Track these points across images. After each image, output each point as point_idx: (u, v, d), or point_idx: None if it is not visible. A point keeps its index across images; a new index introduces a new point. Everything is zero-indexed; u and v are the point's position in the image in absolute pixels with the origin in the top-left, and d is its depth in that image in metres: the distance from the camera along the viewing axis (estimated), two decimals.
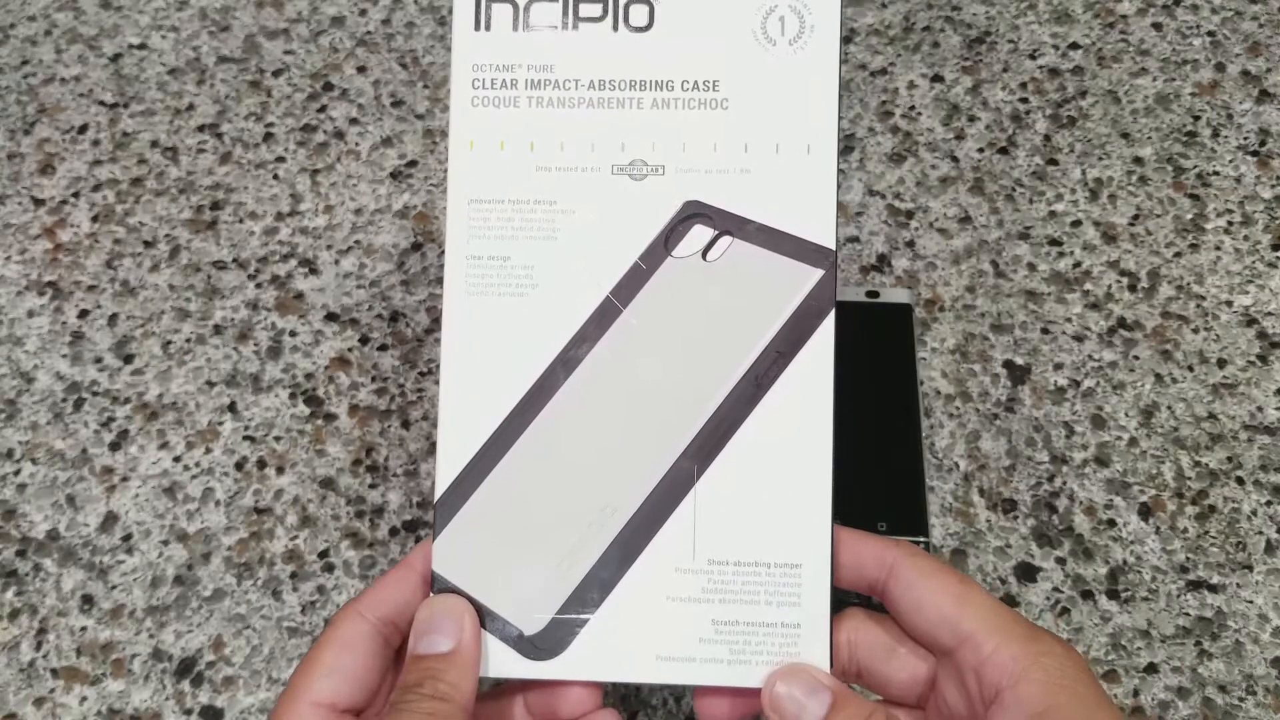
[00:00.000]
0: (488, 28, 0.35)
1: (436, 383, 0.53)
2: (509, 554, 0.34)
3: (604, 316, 0.35)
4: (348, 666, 0.33)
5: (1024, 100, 0.61)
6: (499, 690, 0.36)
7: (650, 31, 0.35)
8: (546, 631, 0.34)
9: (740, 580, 0.34)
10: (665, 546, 0.34)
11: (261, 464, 0.51)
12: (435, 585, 0.34)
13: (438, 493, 0.34)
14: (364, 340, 0.54)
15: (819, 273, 0.34)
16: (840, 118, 0.37)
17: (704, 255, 0.35)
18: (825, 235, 0.34)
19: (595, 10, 0.35)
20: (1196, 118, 0.60)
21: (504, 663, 0.34)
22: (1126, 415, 0.51)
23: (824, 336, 0.34)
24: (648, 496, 0.34)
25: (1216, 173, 0.58)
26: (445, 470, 0.34)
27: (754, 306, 0.34)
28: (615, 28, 0.35)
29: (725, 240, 0.35)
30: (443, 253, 0.57)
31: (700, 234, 0.35)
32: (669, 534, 0.34)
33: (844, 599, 0.36)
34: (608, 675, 0.34)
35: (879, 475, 0.48)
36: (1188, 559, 0.47)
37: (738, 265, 0.35)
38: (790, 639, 0.33)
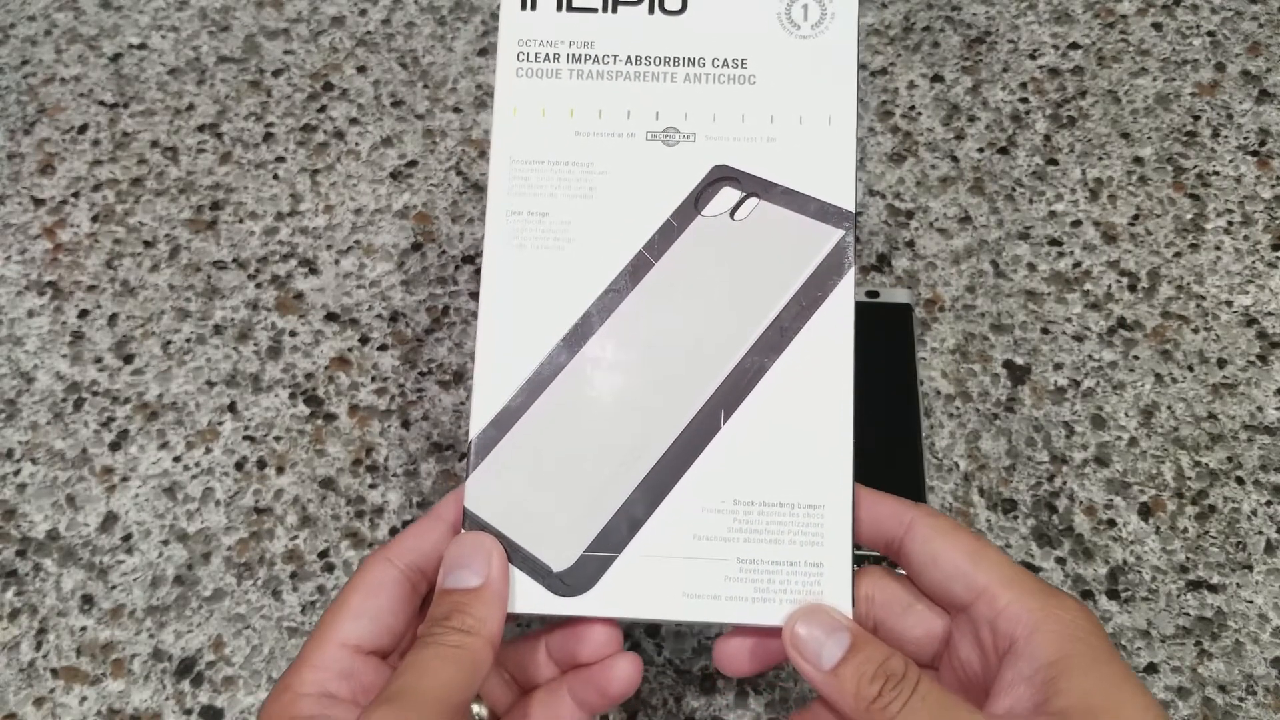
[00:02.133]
0: (533, 8, 0.38)
1: (437, 383, 0.53)
2: (540, 492, 0.35)
3: (637, 269, 0.36)
4: (374, 610, 0.33)
5: (1024, 100, 0.61)
6: (520, 636, 0.37)
7: (683, 15, 0.38)
8: (575, 568, 0.35)
9: (765, 520, 0.35)
10: (693, 487, 0.35)
11: (261, 464, 0.51)
12: (467, 523, 0.35)
13: (473, 432, 0.36)
14: (364, 340, 0.54)
15: (839, 232, 0.36)
16: (860, 94, 0.40)
17: (732, 215, 0.37)
18: (845, 198, 0.37)
19: None
20: (1196, 118, 0.60)
21: (532, 599, 0.34)
22: (1126, 415, 0.51)
23: (844, 292, 0.36)
24: (676, 438, 0.35)
25: (1216, 173, 0.58)
26: (480, 411, 0.36)
27: (778, 262, 0.36)
28: (651, 11, 0.38)
29: (752, 201, 0.37)
30: (443, 253, 0.57)
31: (728, 195, 0.37)
32: (696, 475, 0.35)
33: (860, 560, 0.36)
34: (635, 612, 0.35)
35: (879, 475, 0.48)
36: (1188, 559, 0.47)
37: (763, 225, 0.37)
38: (813, 578, 0.34)
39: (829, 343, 0.36)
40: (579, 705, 0.35)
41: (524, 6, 0.38)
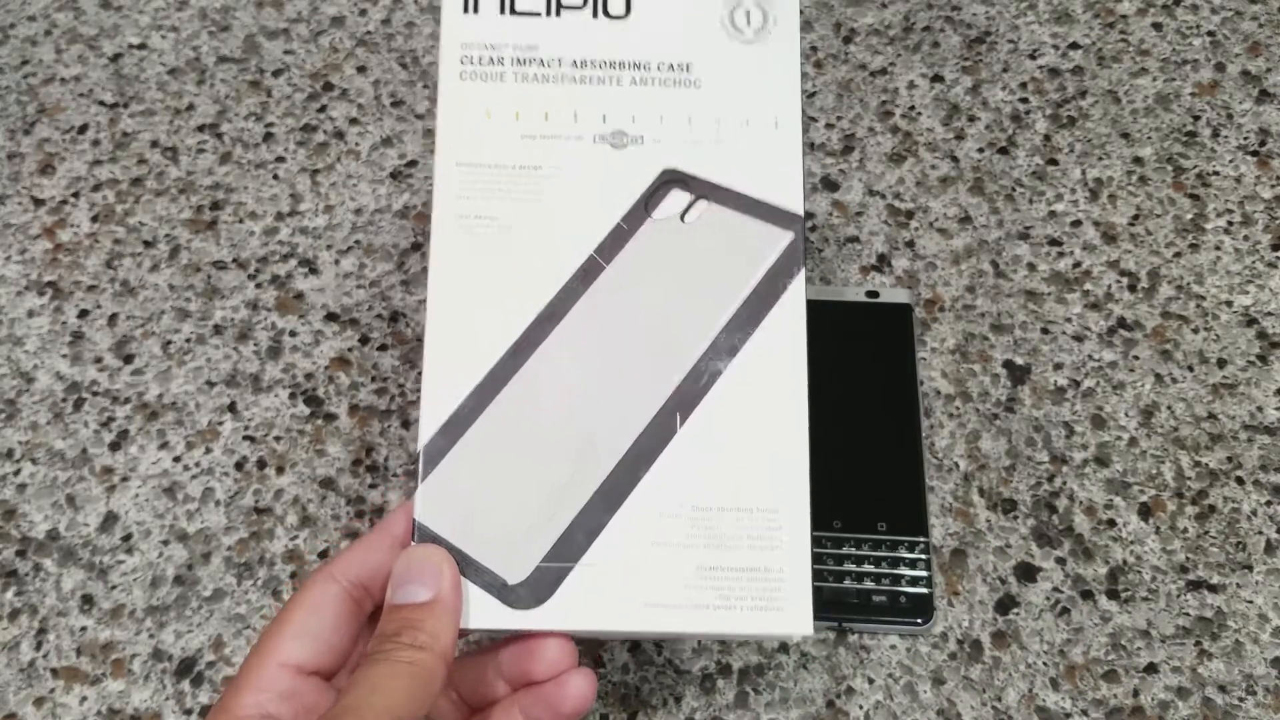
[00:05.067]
0: (475, 10, 0.38)
1: None
2: (493, 502, 0.34)
3: (587, 273, 0.36)
4: (316, 628, 0.32)
5: (1024, 100, 0.61)
6: (470, 653, 0.36)
7: (627, 19, 0.38)
8: (531, 580, 0.34)
9: (723, 525, 0.34)
10: (649, 493, 0.34)
11: (261, 464, 0.51)
12: (417, 534, 0.34)
13: (421, 441, 0.35)
14: (364, 340, 0.54)
15: (790, 235, 0.36)
16: (803, 97, 0.41)
17: (682, 218, 0.37)
18: (793, 201, 0.37)
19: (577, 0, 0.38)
20: (1196, 118, 0.59)
21: (486, 613, 0.33)
22: (1126, 415, 0.51)
23: (795, 294, 0.36)
24: (631, 445, 0.35)
25: (1216, 173, 0.58)
26: (429, 419, 0.35)
27: (729, 265, 0.36)
28: (595, 15, 0.38)
29: (702, 204, 0.37)
30: None
31: (678, 198, 0.37)
32: (653, 481, 0.35)
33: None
34: (594, 624, 0.34)
35: (879, 475, 0.48)
36: (1188, 559, 0.47)
37: (713, 227, 0.37)
38: (774, 582, 0.34)
39: (782, 345, 0.35)
40: None
41: (466, 9, 0.37)
